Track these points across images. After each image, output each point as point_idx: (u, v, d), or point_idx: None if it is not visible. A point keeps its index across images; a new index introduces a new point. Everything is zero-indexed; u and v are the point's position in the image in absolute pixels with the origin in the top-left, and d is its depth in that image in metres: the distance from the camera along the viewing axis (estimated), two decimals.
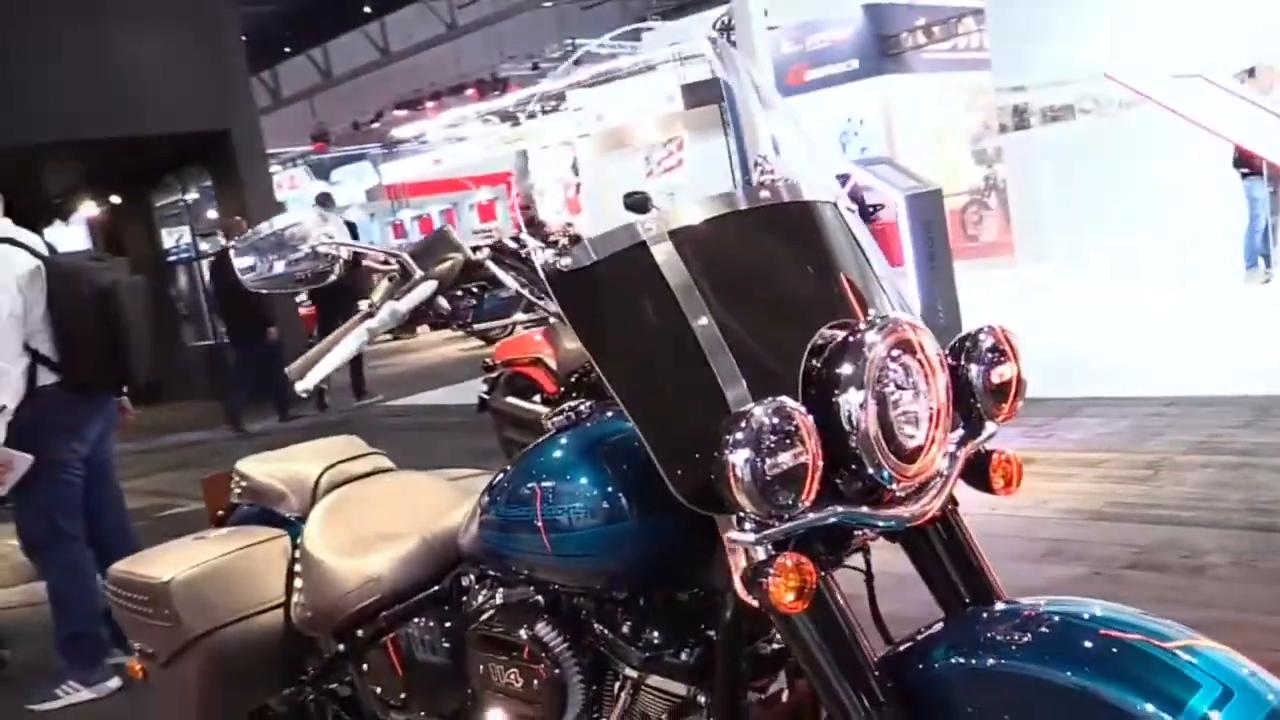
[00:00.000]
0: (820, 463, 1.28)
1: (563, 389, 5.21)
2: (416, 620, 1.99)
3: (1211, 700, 1.15)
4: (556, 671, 1.65)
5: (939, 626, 1.45)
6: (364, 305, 1.56)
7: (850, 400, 1.31)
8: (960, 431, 1.53)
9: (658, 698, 1.61)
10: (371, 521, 2.15)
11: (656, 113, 15.08)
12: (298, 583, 2.19)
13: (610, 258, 1.41)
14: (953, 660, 1.34)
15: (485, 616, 1.79)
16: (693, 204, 1.48)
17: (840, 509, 1.34)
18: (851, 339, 1.36)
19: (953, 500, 1.57)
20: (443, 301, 1.57)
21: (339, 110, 22.85)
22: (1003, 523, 3.99)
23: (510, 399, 5.41)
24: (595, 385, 4.85)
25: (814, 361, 1.37)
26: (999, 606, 1.44)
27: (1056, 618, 1.32)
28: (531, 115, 16.78)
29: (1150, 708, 1.15)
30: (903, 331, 1.37)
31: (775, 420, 1.25)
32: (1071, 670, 1.22)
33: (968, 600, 1.52)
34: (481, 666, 1.77)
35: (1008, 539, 3.81)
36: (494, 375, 5.54)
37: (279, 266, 1.51)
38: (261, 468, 2.42)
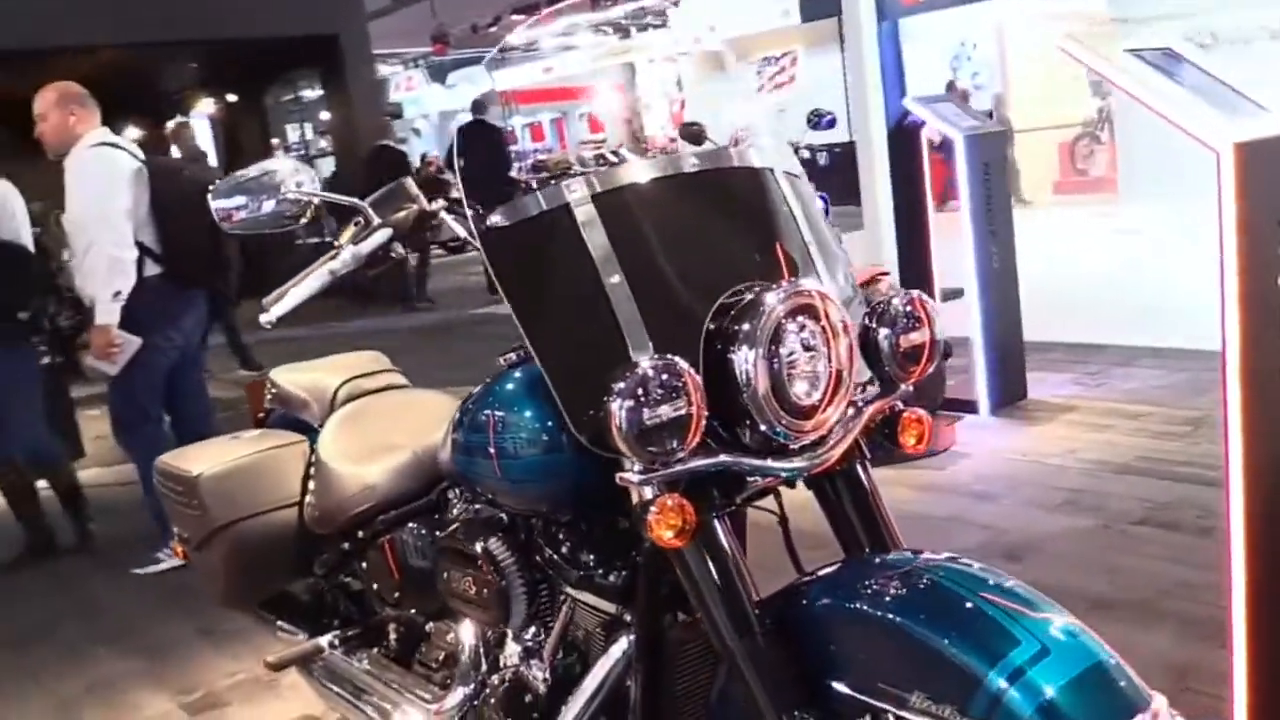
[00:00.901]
0: (703, 415, 1.39)
1: None
2: (408, 527, 2.20)
3: (1027, 656, 1.25)
4: (503, 584, 1.83)
5: (828, 569, 1.56)
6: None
7: (743, 358, 1.42)
8: (874, 390, 1.64)
9: (591, 614, 1.78)
10: (376, 433, 2.34)
11: (770, 25, 14.85)
12: (310, 484, 2.41)
13: (535, 217, 1.52)
14: (825, 601, 1.45)
15: (451, 529, 1.98)
16: (625, 167, 1.60)
17: (726, 457, 1.46)
18: (749, 301, 1.46)
19: (861, 452, 1.69)
20: (399, 246, 1.70)
21: (460, 12, 22.93)
22: (1025, 469, 4.06)
23: None
24: None
25: (716, 321, 1.48)
26: (886, 556, 1.56)
27: (924, 572, 1.42)
28: (642, 28, 16.71)
29: (971, 658, 1.27)
30: (803, 297, 1.47)
31: (660, 375, 1.37)
32: (915, 619, 1.33)
33: (866, 547, 1.65)
34: (445, 573, 1.97)
35: (1029, 485, 3.88)
36: None
37: (256, 210, 1.68)
38: (289, 377, 2.64)
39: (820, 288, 1.52)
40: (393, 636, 2.35)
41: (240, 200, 1.68)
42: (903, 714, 1.32)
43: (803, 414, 1.47)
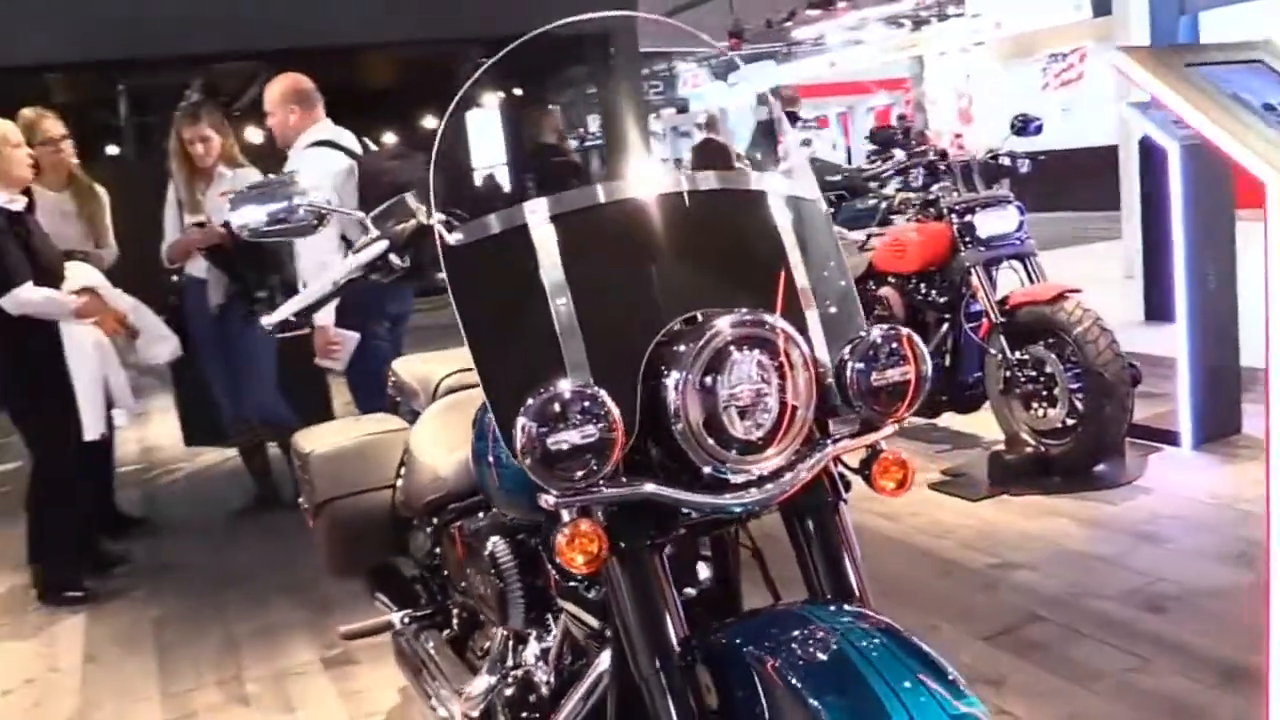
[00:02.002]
0: (622, 443, 1.38)
1: None
2: (469, 519, 2.33)
3: None
4: (501, 586, 1.92)
5: (760, 613, 1.52)
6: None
7: (673, 384, 1.40)
8: (850, 429, 1.59)
9: (579, 626, 1.83)
10: (458, 427, 2.48)
11: (1059, 20, 14.03)
12: (401, 470, 2.60)
13: (494, 236, 1.54)
14: (742, 645, 1.40)
15: (474, 528, 2.09)
16: (593, 188, 1.60)
17: (653, 488, 1.44)
18: (691, 329, 1.44)
19: (836, 492, 1.64)
20: (394, 258, 1.80)
21: (756, 8, 23.11)
22: (1209, 513, 3.72)
23: None
24: None
25: (661, 349, 1.45)
26: (817, 610, 1.47)
27: (840, 635, 1.36)
28: (928, 21, 16.22)
29: None
30: (748, 327, 1.43)
31: (572, 401, 1.36)
32: (805, 682, 1.29)
33: (825, 592, 1.60)
34: (468, 569, 2.08)
35: (1206, 532, 3.55)
36: None
37: (274, 219, 1.82)
38: (405, 368, 2.84)
39: (775, 319, 1.46)
40: (455, 622, 2.49)
41: (257, 209, 1.82)
42: None
43: (744, 449, 1.44)
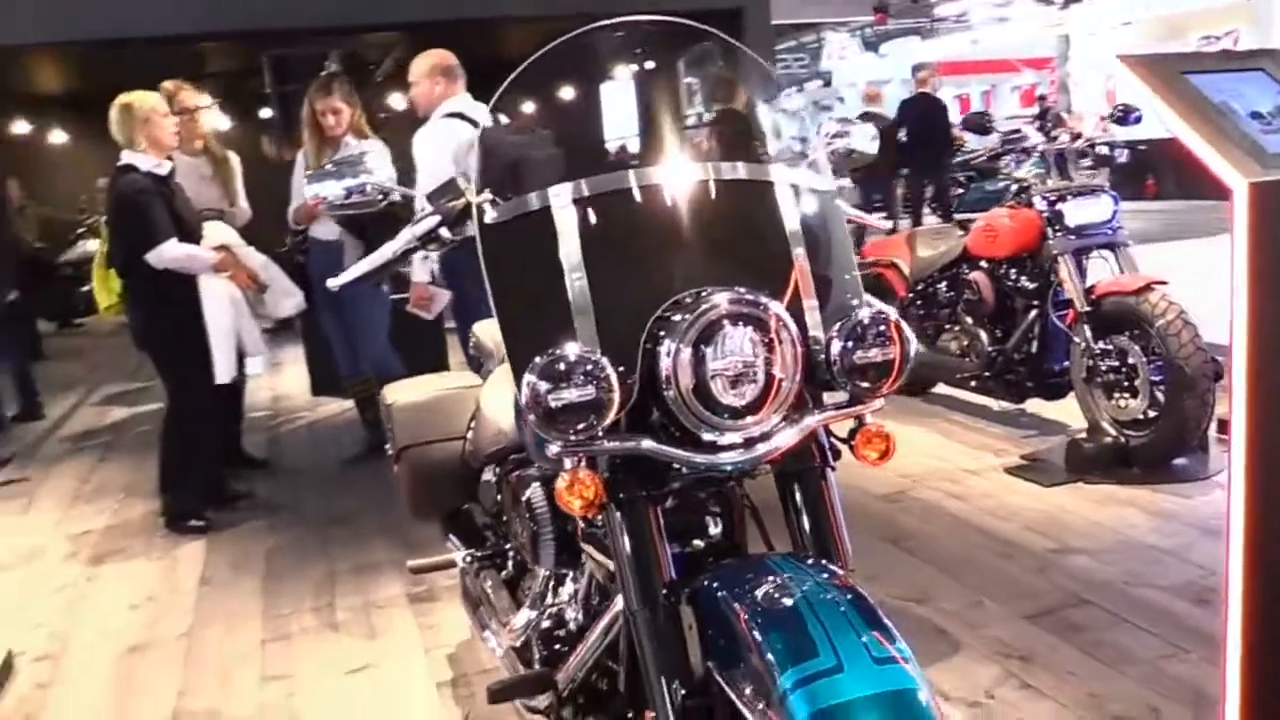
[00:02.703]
0: (620, 402, 1.57)
1: (910, 294, 5.36)
2: (521, 469, 2.55)
3: (820, 669, 1.36)
4: (534, 529, 2.13)
5: (734, 562, 1.71)
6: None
7: (666, 354, 1.57)
8: (839, 399, 1.74)
9: (600, 569, 2.03)
10: None
11: (1212, 2, 13.44)
12: (471, 423, 2.83)
13: (523, 216, 1.72)
14: (716, 590, 1.57)
15: (520, 477, 2.31)
16: (616, 175, 1.76)
17: (649, 444, 1.61)
18: (687, 303, 1.61)
19: (824, 459, 1.79)
20: (445, 232, 2.01)
21: None
22: None
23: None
24: (935, 295, 5.06)
25: (659, 323, 1.62)
26: (780, 560, 1.61)
27: (791, 581, 1.51)
28: None
29: (775, 660, 1.39)
30: (742, 307, 1.59)
31: (574, 363, 1.55)
32: (757, 620, 1.46)
33: (808, 549, 1.75)
34: (514, 514, 2.30)
35: None
36: (864, 271, 5.75)
37: (345, 196, 2.05)
38: (484, 330, 3.06)
39: (768, 300, 1.61)
40: (510, 564, 2.72)
41: (334, 184, 2.06)
42: (740, 703, 1.46)
43: (733, 415, 1.59)
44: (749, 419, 1.61)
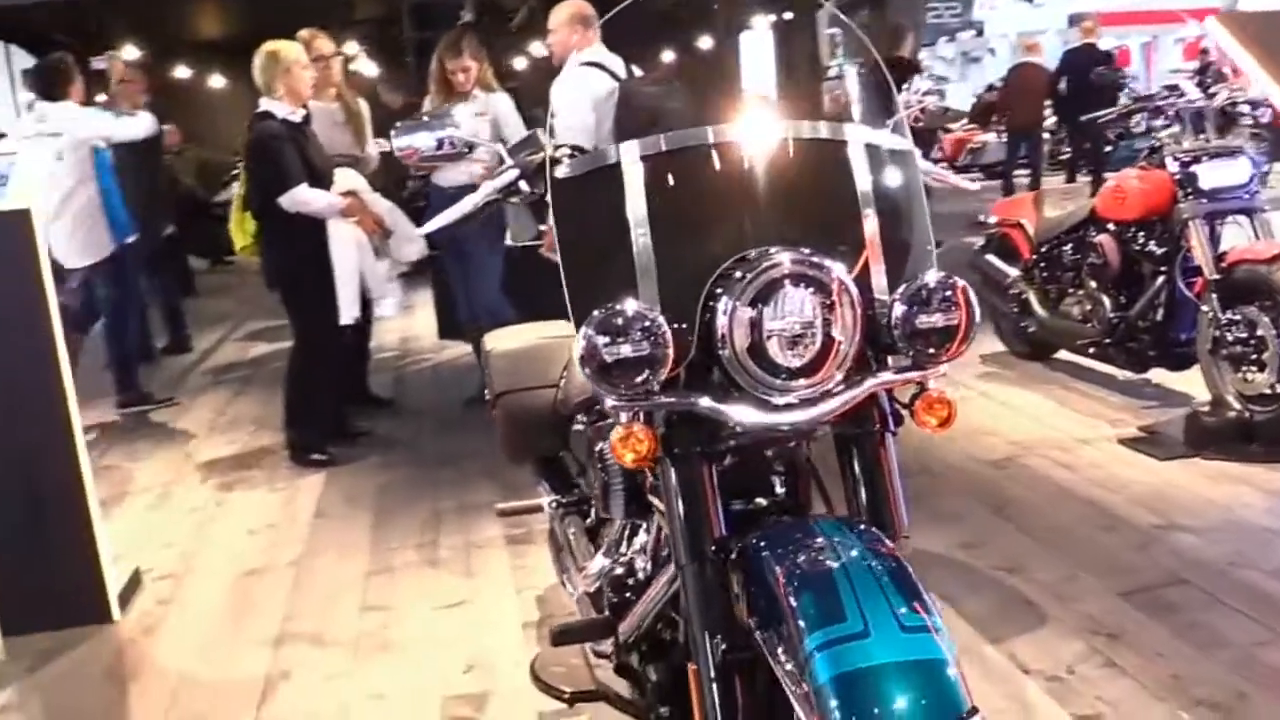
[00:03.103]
0: (675, 359, 1.58)
1: (1033, 257, 5.19)
2: (604, 420, 2.61)
3: (846, 632, 1.38)
4: (605, 479, 2.18)
5: (782, 523, 1.72)
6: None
7: (723, 311, 1.58)
8: (903, 364, 1.72)
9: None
10: None
11: None
12: (564, 372, 2.90)
13: (592, 172, 1.75)
14: (762, 548, 1.58)
15: (596, 425, 2.36)
16: (687, 132, 1.77)
17: (706, 402, 1.62)
18: (746, 262, 1.61)
19: (885, 424, 1.78)
20: (524, 185, 2.05)
21: None
22: None
23: (989, 257, 5.48)
24: (1059, 257, 4.94)
25: (720, 279, 1.63)
26: (828, 523, 1.62)
27: (834, 543, 1.53)
28: None
29: (804, 622, 1.41)
30: (803, 268, 1.58)
31: (631, 319, 1.56)
32: (793, 581, 1.48)
33: (862, 514, 1.75)
34: (590, 462, 2.36)
35: None
36: (990, 231, 5.59)
37: (432, 149, 2.11)
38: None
39: (830, 261, 1.60)
40: (593, 512, 2.79)
41: (421, 137, 2.12)
42: (772, 661, 1.49)
43: (784, 375, 1.59)
44: (805, 380, 1.61)
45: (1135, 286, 4.57)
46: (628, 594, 2.29)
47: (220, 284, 10.93)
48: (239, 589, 3.55)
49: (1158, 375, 4.78)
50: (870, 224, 1.73)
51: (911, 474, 4.00)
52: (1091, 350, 4.81)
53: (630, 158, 1.74)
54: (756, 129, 1.79)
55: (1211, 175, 4.12)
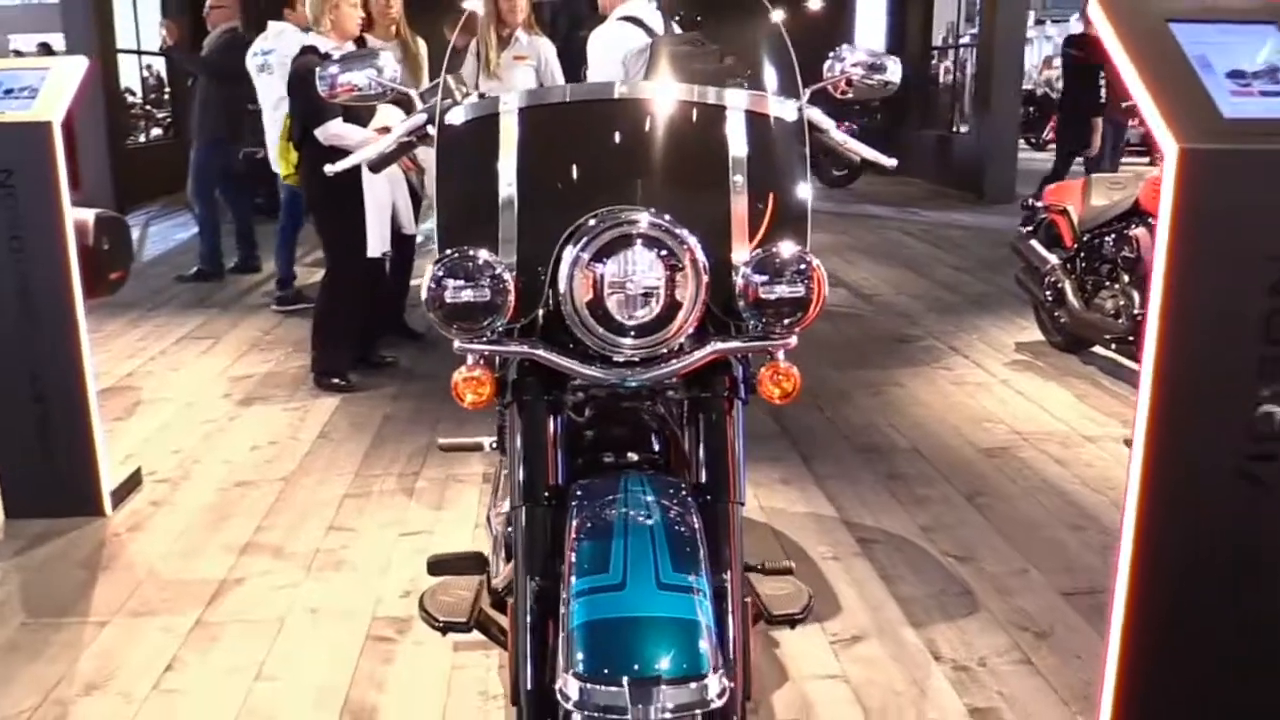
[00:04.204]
0: (511, 306, 1.62)
1: (1076, 245, 5.04)
2: None
3: (605, 583, 1.42)
4: (499, 421, 2.24)
5: (602, 475, 1.72)
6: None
7: (566, 263, 1.61)
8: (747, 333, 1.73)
9: None
10: None
11: None
12: None
13: (475, 120, 1.82)
14: (579, 496, 1.64)
15: None
16: (564, 88, 1.81)
17: (541, 351, 1.67)
18: (594, 221, 1.64)
19: (733, 392, 1.80)
20: (431, 130, 2.09)
21: None
22: None
23: (1031, 242, 5.34)
24: (1099, 248, 4.81)
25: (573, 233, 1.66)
26: (649, 479, 1.66)
27: (640, 501, 1.58)
28: None
29: (574, 569, 1.46)
30: (650, 230, 1.61)
31: (475, 265, 1.61)
32: (588, 531, 1.53)
33: (700, 477, 1.77)
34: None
35: None
36: (1038, 215, 5.44)
37: (353, 87, 2.16)
38: None
39: (676, 226, 1.61)
40: None
41: (342, 73, 2.17)
42: (561, 604, 1.55)
43: (633, 334, 1.63)
44: (644, 339, 1.63)
45: None
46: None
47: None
48: (226, 498, 3.72)
49: None
50: (738, 193, 1.74)
51: (900, 453, 4.02)
52: (1116, 346, 4.67)
53: (508, 109, 1.79)
54: (635, 91, 1.81)
55: None
